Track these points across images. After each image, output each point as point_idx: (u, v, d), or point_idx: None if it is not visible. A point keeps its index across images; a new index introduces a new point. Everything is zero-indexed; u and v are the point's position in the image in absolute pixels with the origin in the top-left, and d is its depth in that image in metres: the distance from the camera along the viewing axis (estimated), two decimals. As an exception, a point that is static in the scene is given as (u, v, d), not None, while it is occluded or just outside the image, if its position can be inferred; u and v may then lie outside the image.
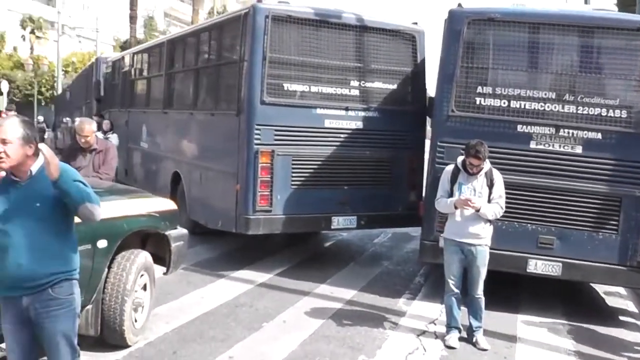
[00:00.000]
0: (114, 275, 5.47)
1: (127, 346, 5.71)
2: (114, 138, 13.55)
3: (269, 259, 9.87)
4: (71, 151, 7.74)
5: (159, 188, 11.73)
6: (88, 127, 7.56)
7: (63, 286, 3.66)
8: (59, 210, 3.60)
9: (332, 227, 9.28)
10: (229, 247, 10.47)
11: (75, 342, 3.77)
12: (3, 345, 3.87)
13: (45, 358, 3.82)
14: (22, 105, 35.69)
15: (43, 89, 44.06)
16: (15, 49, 47.38)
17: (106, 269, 5.39)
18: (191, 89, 11.23)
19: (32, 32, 48.23)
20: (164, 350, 5.81)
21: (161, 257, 6.40)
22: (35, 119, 35.02)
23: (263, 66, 8.64)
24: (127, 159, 14.75)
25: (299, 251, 10.62)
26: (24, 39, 48.17)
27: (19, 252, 3.52)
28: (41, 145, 3.58)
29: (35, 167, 3.63)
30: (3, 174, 3.62)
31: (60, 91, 36.55)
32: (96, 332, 5.46)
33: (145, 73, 14.25)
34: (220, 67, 10.07)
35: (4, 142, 3.52)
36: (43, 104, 43.39)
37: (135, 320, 5.87)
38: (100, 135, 10.77)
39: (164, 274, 6.59)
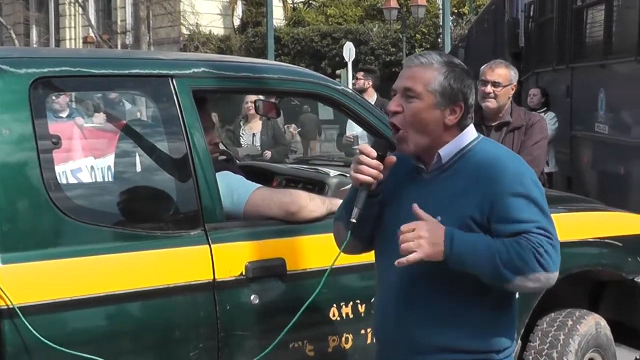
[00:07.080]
0: (536, 355, 3.71)
1: None
2: (548, 119, 8.17)
3: None
4: None
5: (632, 205, 6.67)
6: (502, 71, 4.71)
7: None
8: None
9: None
10: None
11: None
12: None
13: None
14: (381, 79, 13.11)
15: (417, 50, 27.21)
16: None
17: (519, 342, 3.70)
18: None
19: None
20: None
21: (630, 328, 4.07)
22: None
23: None
24: (572, 157, 8.83)
25: None
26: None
27: (398, 299, 2.27)
28: None
29: (448, 149, 2.27)
30: (394, 158, 2.30)
31: (447, 50, 22.49)
32: None
33: None
34: None
35: (407, 93, 2.23)
36: None
37: None
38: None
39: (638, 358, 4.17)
